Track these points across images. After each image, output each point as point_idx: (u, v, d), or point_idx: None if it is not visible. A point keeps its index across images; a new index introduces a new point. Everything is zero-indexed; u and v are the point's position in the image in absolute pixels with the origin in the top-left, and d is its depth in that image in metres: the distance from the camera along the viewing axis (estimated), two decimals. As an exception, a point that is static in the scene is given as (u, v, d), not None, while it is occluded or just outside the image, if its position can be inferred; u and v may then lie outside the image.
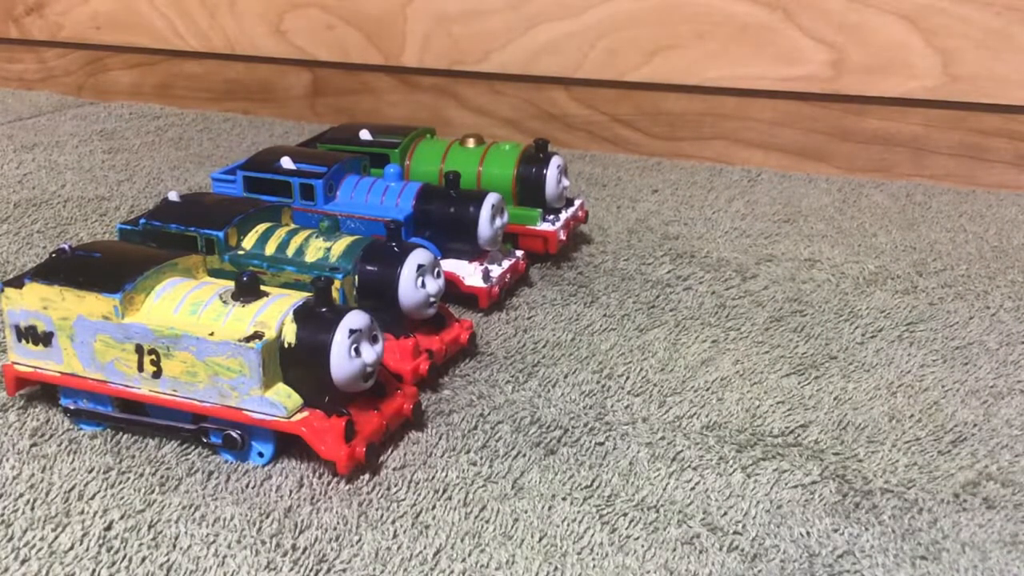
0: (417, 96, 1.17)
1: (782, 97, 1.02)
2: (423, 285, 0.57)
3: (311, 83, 1.22)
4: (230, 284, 0.52)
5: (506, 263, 0.68)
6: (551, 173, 0.72)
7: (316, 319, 0.50)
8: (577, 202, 0.77)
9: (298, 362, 0.50)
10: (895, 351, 0.61)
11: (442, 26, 1.12)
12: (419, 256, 0.58)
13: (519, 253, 0.71)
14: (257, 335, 0.49)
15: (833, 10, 0.97)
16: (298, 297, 0.51)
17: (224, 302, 0.51)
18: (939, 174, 0.99)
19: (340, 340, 0.49)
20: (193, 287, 0.52)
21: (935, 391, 0.57)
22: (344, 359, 0.49)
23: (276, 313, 0.50)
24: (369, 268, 0.58)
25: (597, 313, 0.67)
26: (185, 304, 0.51)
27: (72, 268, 0.53)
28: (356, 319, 0.50)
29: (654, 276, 0.72)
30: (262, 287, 0.52)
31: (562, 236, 0.72)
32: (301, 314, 0.50)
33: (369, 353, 0.50)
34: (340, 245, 0.59)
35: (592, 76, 1.08)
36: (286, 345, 0.50)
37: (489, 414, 0.55)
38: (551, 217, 0.73)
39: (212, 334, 0.49)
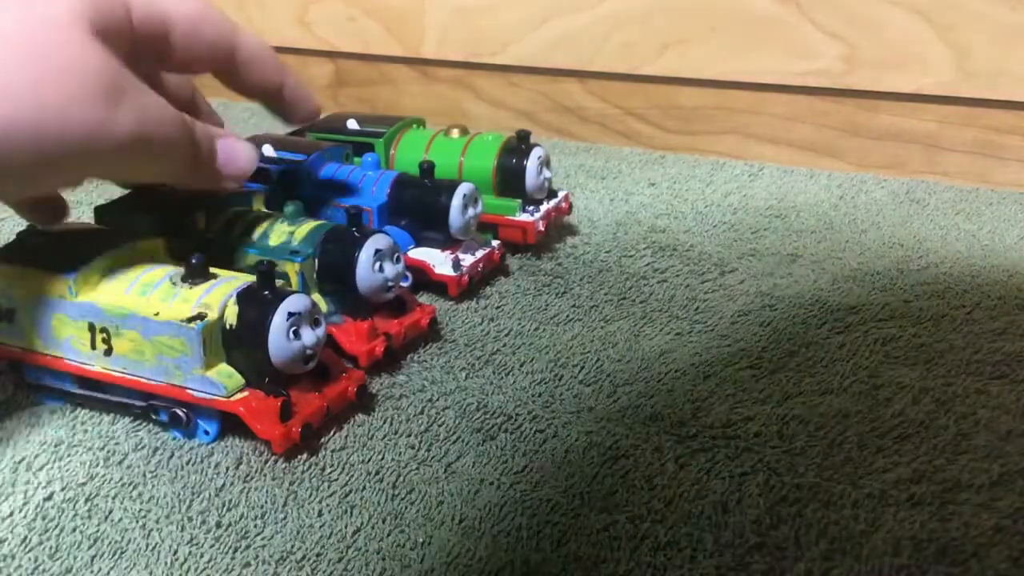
0: (435, 87, 1.18)
1: (795, 92, 1.02)
2: (381, 269, 0.59)
3: (334, 74, 1.24)
4: (181, 267, 0.54)
5: (480, 252, 0.69)
6: (531, 164, 0.73)
7: (257, 301, 0.51)
8: (561, 194, 0.77)
9: (239, 343, 0.51)
10: (857, 347, 0.61)
11: (460, 18, 1.13)
12: (377, 241, 0.59)
13: (495, 243, 0.71)
14: (199, 316, 0.50)
15: (846, 4, 0.96)
16: (245, 280, 0.53)
17: (173, 283, 0.52)
18: (952, 171, 0.97)
19: (278, 322, 0.50)
20: (146, 269, 0.54)
21: (888, 388, 0.57)
22: (282, 340, 0.50)
23: (220, 295, 0.51)
24: (328, 252, 0.59)
25: (566, 304, 0.67)
26: (137, 285, 0.53)
27: (34, 248, 0.55)
28: (296, 302, 0.51)
29: (631, 268, 0.72)
30: (213, 270, 0.53)
31: (540, 227, 0.73)
32: (244, 296, 0.51)
33: (309, 336, 0.51)
34: (303, 230, 0.60)
35: (606, 69, 1.08)
36: (227, 326, 0.51)
37: (438, 399, 0.56)
38: (531, 208, 0.74)
39: (157, 314, 0.51)
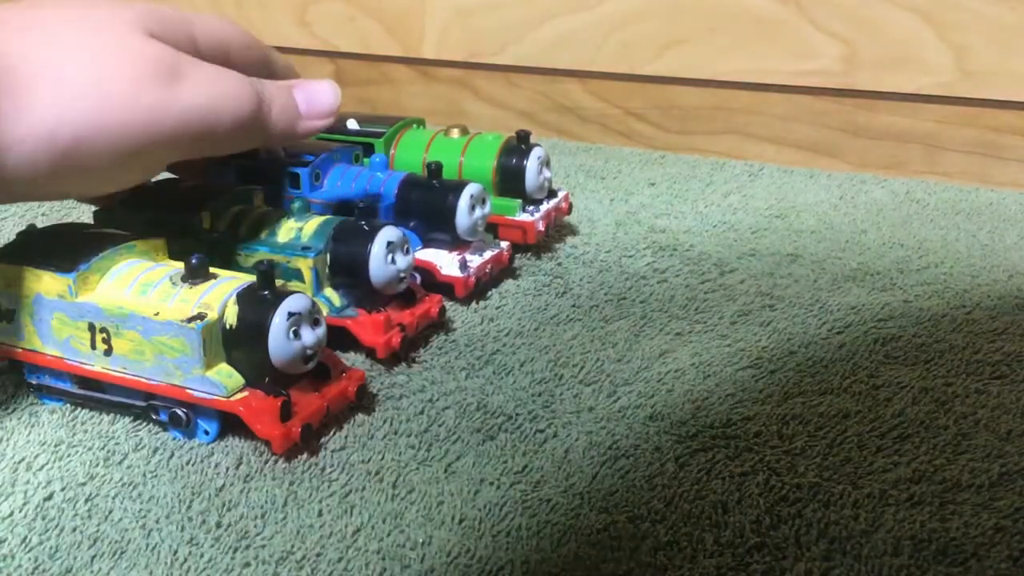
0: (435, 88, 1.18)
1: (794, 92, 1.02)
2: (393, 261, 0.59)
3: (334, 74, 1.24)
4: (181, 266, 0.54)
5: (488, 254, 0.69)
6: (531, 164, 0.73)
7: (256, 301, 0.51)
8: (561, 193, 0.77)
9: (239, 343, 0.51)
10: (857, 347, 0.61)
11: (460, 18, 1.13)
12: (388, 233, 0.59)
13: (504, 244, 0.71)
14: (199, 316, 0.50)
15: (846, 4, 0.96)
16: (245, 280, 0.53)
17: (173, 283, 0.52)
18: (952, 171, 0.97)
19: (278, 322, 0.50)
20: (146, 268, 0.54)
21: (888, 388, 0.57)
22: (282, 341, 0.50)
23: (220, 295, 0.51)
24: (340, 246, 0.59)
25: (566, 303, 0.67)
26: (137, 285, 0.53)
27: (33, 248, 0.55)
28: (296, 302, 0.51)
29: (631, 268, 0.72)
30: (213, 270, 0.53)
31: (540, 227, 0.73)
32: (243, 296, 0.51)
33: (309, 336, 0.51)
34: (311, 225, 0.60)
35: (606, 69, 1.08)
36: (227, 327, 0.51)
37: (438, 399, 0.56)
38: (531, 208, 0.74)
39: (157, 314, 0.51)
